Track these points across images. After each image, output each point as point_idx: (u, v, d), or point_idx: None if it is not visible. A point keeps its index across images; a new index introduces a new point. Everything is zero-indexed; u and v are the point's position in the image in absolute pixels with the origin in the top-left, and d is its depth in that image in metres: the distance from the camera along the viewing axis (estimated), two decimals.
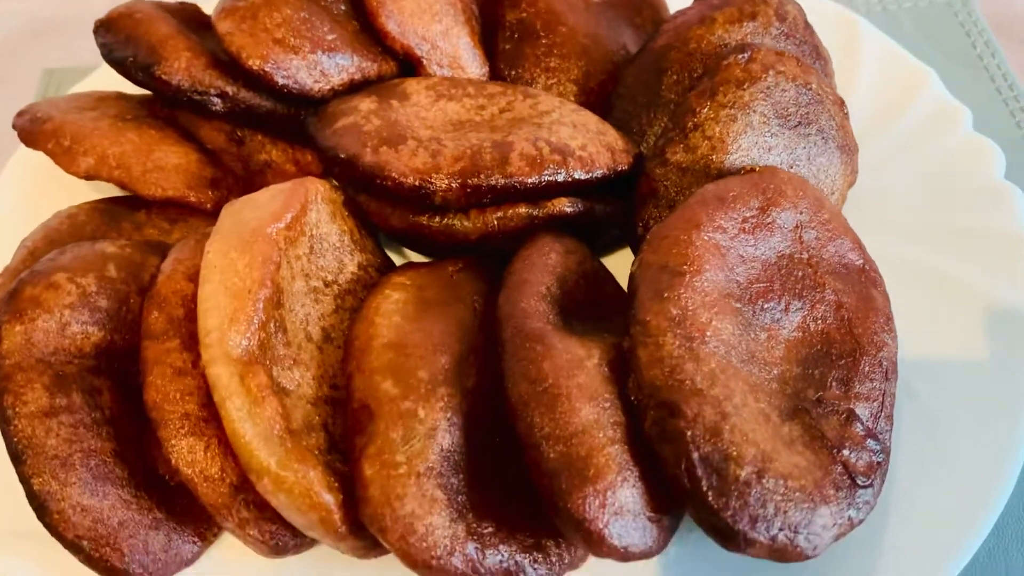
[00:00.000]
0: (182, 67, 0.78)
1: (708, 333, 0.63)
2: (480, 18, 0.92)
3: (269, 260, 0.63)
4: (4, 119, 0.89)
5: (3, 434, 0.61)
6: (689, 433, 0.58)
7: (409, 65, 0.86)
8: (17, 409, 0.60)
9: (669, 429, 0.59)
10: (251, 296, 0.61)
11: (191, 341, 0.63)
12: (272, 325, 0.62)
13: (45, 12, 1.29)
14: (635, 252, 0.81)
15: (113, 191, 0.84)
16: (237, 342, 0.60)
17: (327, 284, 0.70)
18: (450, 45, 0.87)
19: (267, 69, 0.77)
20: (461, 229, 0.74)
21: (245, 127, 0.85)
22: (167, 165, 0.79)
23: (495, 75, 0.90)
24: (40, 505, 0.60)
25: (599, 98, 0.88)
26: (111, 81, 0.92)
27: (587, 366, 0.62)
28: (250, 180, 0.84)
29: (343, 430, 0.63)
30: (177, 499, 0.65)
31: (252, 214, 0.66)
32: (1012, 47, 1.12)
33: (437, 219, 0.74)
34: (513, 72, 0.89)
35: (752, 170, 0.74)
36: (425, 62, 0.85)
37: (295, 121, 0.82)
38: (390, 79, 0.84)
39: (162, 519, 0.63)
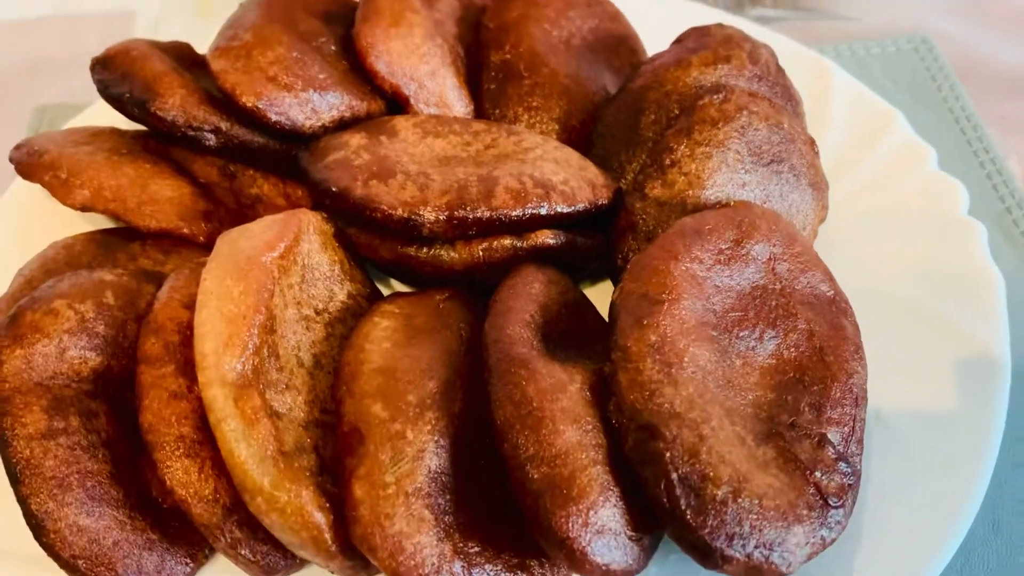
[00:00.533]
0: (177, 103, 0.81)
1: (686, 359, 0.66)
2: (465, 59, 0.96)
3: (263, 287, 0.65)
4: None
5: (1, 455, 0.62)
6: (668, 454, 0.61)
7: (397, 103, 0.89)
8: (16, 431, 0.62)
9: (649, 451, 0.61)
10: (246, 322, 0.63)
11: (186, 366, 0.65)
12: (265, 350, 0.65)
13: (38, 51, 1.32)
14: (615, 283, 0.84)
15: (107, 223, 0.87)
16: (232, 366, 0.62)
17: (318, 312, 0.72)
18: (437, 85, 0.90)
19: (260, 106, 0.80)
20: (447, 260, 0.76)
21: (237, 162, 0.88)
22: (161, 198, 0.81)
23: (480, 114, 0.93)
24: (37, 525, 0.61)
25: (580, 136, 0.92)
26: (104, 117, 0.94)
27: (570, 390, 0.64)
28: (242, 213, 0.86)
29: (333, 452, 0.64)
30: (170, 521, 0.66)
31: (247, 243, 0.68)
32: (975, 91, 1.17)
33: (424, 250, 0.77)
34: (497, 111, 0.92)
35: (727, 204, 0.78)
36: (412, 101, 0.88)
37: (286, 157, 0.85)
38: (378, 117, 0.87)
39: (155, 540, 0.65)
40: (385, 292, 0.82)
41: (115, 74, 0.84)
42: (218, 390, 0.60)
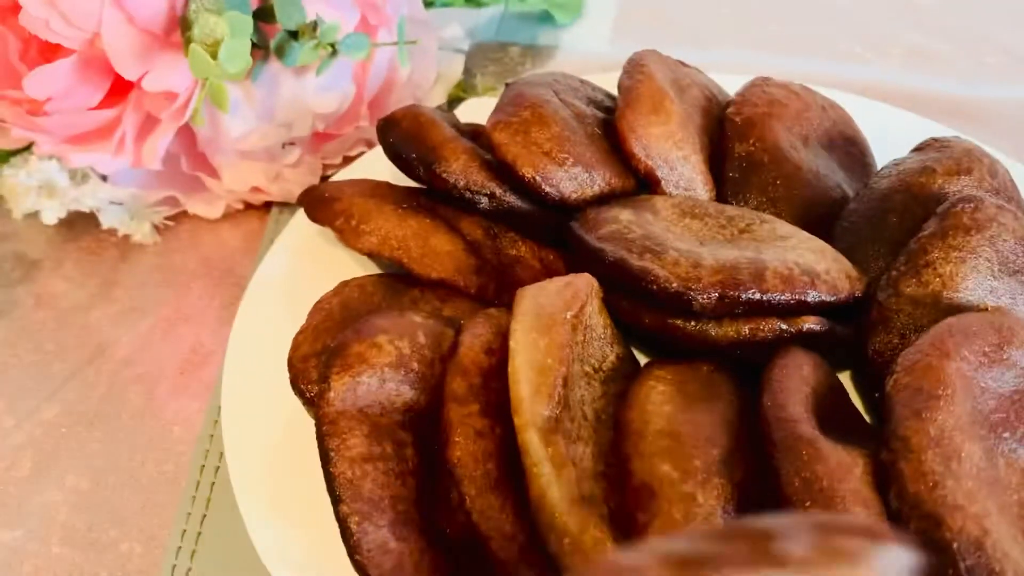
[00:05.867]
0: (459, 168, 0.88)
1: (963, 454, 0.68)
2: (708, 148, 1.01)
3: (565, 343, 0.70)
4: None
5: (325, 474, 0.67)
6: (955, 545, 0.63)
7: (647, 184, 0.95)
8: (340, 452, 0.67)
9: (934, 539, 0.63)
10: (552, 373, 0.68)
11: (487, 408, 0.70)
12: (562, 401, 0.69)
13: None
14: (860, 374, 0.87)
15: (368, 267, 0.94)
16: (542, 412, 0.66)
17: (595, 370, 0.77)
18: (686, 170, 0.95)
19: (536, 178, 0.87)
20: (714, 335, 0.80)
21: (499, 224, 0.94)
22: (440, 251, 0.87)
23: (721, 200, 0.98)
24: (354, 544, 0.66)
25: (818, 229, 0.95)
26: (369, 170, 1.02)
27: (855, 473, 0.67)
28: (503, 271, 0.92)
29: (620, 505, 0.68)
30: (457, 552, 0.70)
31: (547, 300, 0.74)
32: None
33: (692, 323, 0.81)
34: (739, 199, 0.97)
35: (985, 309, 0.80)
36: (663, 183, 0.94)
37: (546, 224, 0.91)
38: (631, 194, 0.93)
39: (448, 570, 0.69)
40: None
41: (402, 136, 0.91)
42: (533, 434, 0.65)
